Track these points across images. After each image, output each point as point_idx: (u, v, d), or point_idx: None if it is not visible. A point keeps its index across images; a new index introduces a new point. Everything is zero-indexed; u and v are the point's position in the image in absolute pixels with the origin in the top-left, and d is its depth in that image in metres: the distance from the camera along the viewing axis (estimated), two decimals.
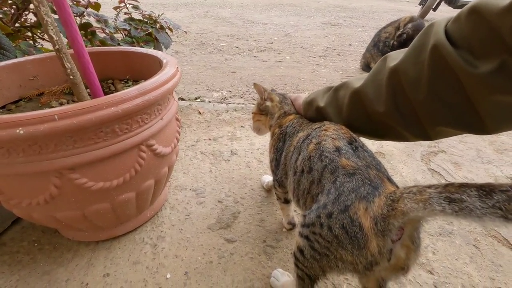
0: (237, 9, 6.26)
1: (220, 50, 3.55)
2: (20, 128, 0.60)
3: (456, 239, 1.10)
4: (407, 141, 0.75)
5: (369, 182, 0.59)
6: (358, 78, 0.78)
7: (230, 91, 2.43)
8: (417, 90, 0.61)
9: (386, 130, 0.74)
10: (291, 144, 0.87)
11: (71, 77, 0.90)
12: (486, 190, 0.43)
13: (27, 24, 1.59)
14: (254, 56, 3.34)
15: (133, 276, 0.93)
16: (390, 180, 0.63)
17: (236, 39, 4.04)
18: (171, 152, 0.99)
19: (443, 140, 1.71)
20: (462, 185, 0.46)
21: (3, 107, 1.01)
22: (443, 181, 1.39)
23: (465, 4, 5.22)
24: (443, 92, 0.58)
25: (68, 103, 1.07)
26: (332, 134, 0.73)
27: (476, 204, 0.43)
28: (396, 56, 0.66)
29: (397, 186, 0.63)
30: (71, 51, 0.96)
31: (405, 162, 1.52)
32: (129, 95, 0.73)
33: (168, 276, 0.93)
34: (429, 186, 0.50)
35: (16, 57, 1.21)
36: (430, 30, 0.59)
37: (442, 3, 5.11)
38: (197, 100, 2.24)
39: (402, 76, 0.63)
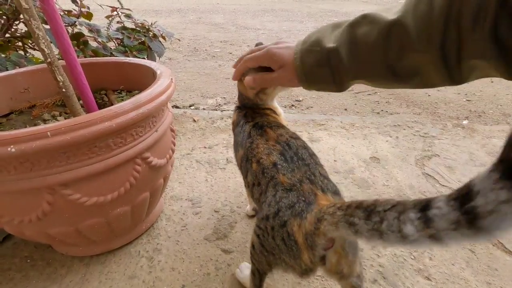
0: (230, 15, 6.29)
1: (214, 56, 3.56)
2: (12, 146, 0.59)
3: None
4: (427, 87, 0.64)
5: (303, 199, 0.62)
6: (383, 10, 0.62)
7: (224, 97, 2.44)
8: (478, 22, 0.50)
9: (413, 74, 0.61)
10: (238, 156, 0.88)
11: (64, 90, 0.89)
12: (368, 212, 0.45)
13: (17, 34, 1.57)
14: None
15: None
16: (323, 190, 0.64)
17: (230, 45, 4.05)
18: (167, 163, 0.98)
19: (436, 144, 1.74)
20: (357, 207, 0.48)
21: None
22: (437, 185, 1.41)
23: None
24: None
25: (60, 115, 1.06)
26: (264, 151, 0.75)
27: (363, 227, 0.45)
28: None
29: (333, 192, 0.65)
30: (63, 62, 0.95)
31: (400, 167, 1.53)
32: (124, 109, 0.72)
33: None
34: (340, 207, 0.52)
35: (6, 69, 1.20)
36: None
37: None
38: (192, 107, 2.24)
39: (462, 8, 0.52)
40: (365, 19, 0.62)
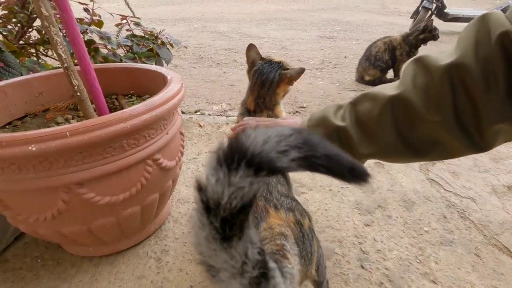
0: (234, 24, 6.40)
1: (218, 63, 3.62)
2: (33, 145, 0.62)
3: (457, 248, 1.11)
4: (452, 157, 0.62)
5: (256, 216, 0.63)
6: (383, 87, 0.63)
7: (229, 103, 2.47)
8: (489, 86, 0.50)
9: (432, 144, 0.59)
10: None
11: (78, 93, 0.92)
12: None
13: (30, 41, 1.62)
14: None
15: None
16: (276, 207, 0.65)
17: (234, 52, 4.12)
18: (176, 166, 1.00)
19: None
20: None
21: (9, 123, 1.02)
22: (442, 190, 1.41)
23: (456, 17, 5.34)
24: None
25: (73, 119, 1.09)
26: None
27: None
28: (439, 56, 0.56)
29: (287, 209, 0.66)
30: (78, 68, 0.99)
31: (404, 172, 1.54)
32: (138, 111, 0.75)
33: None
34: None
35: (21, 74, 1.24)
36: (485, 22, 0.50)
37: (433, 16, 5.28)
38: (197, 113, 2.27)
39: (467, 73, 0.51)
40: (365, 97, 0.63)
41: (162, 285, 0.95)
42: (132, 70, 1.19)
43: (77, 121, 1.09)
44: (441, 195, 1.38)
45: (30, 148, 0.62)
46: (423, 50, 3.05)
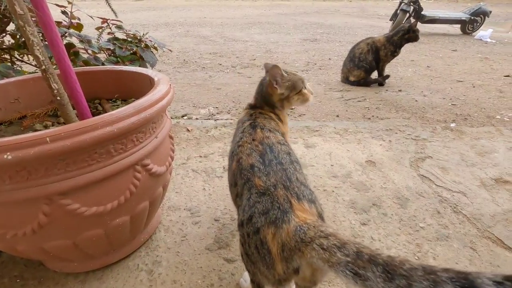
0: (217, 28, 6.38)
1: (204, 67, 3.57)
2: (8, 153, 0.56)
3: (453, 242, 1.11)
4: None
5: (278, 206, 0.61)
6: None
7: (216, 107, 2.43)
8: None
9: None
10: None
11: (58, 98, 0.86)
12: (390, 272, 0.44)
13: (4, 46, 1.53)
14: (238, 73, 3.37)
15: None
16: (298, 198, 0.62)
17: (219, 56, 4.09)
18: (166, 171, 0.95)
19: (428, 146, 1.78)
20: (371, 259, 0.47)
21: None
22: (434, 186, 1.43)
23: (432, 19, 5.55)
24: None
25: (53, 125, 1.02)
26: (246, 150, 0.75)
27: (379, 285, 0.44)
28: None
29: (309, 200, 0.63)
30: (58, 71, 0.93)
31: (396, 169, 1.55)
32: (125, 113, 0.70)
33: None
34: (342, 246, 0.50)
35: None
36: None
37: (411, 18, 5.46)
38: (184, 117, 2.22)
39: None
40: None
41: None
42: (117, 73, 1.13)
43: None
44: (433, 191, 1.39)
45: (5, 156, 0.56)
46: (403, 51, 3.11)
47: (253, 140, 0.78)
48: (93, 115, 1.03)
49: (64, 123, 0.91)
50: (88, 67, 1.26)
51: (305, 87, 1.00)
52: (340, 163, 1.60)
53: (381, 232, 1.15)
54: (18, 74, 1.33)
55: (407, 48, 3.00)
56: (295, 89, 0.98)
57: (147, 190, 0.88)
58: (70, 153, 0.64)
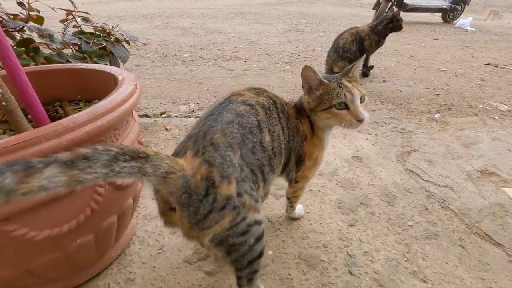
0: (198, 19, 6.16)
1: (184, 61, 3.43)
2: None
3: (442, 241, 1.08)
4: None
5: (178, 152, 0.69)
6: None
7: (197, 103, 2.32)
8: None
9: None
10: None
11: (4, 103, 0.75)
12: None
13: None
14: (220, 66, 3.25)
15: None
16: (196, 153, 0.63)
17: (200, 49, 3.93)
18: (135, 181, 0.86)
19: (414, 139, 1.75)
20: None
21: None
22: (421, 181, 1.39)
23: (415, 8, 5.55)
24: None
25: (4, 133, 0.90)
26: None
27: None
28: None
29: (206, 160, 0.62)
30: (4, 72, 0.81)
31: (383, 164, 1.51)
32: (76, 122, 0.60)
33: None
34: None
35: None
36: None
37: (394, 6, 5.44)
38: (163, 115, 2.10)
39: None
40: None
41: None
42: (77, 71, 1.01)
43: (9, 136, 0.90)
44: (420, 186, 1.36)
45: None
46: (386, 41, 3.07)
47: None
48: (53, 119, 0.92)
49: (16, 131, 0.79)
50: (43, 66, 1.13)
51: (346, 106, 0.80)
52: (325, 160, 1.54)
53: (369, 233, 1.11)
54: None
55: (390, 37, 2.96)
56: (323, 104, 0.82)
57: (113, 205, 0.79)
58: None
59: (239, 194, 0.63)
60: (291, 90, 2.59)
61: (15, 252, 0.63)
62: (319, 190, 1.33)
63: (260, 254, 0.71)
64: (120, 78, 0.87)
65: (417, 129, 1.86)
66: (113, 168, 0.48)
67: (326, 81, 0.83)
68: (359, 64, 0.89)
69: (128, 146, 0.53)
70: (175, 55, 3.65)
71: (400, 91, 2.57)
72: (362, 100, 0.83)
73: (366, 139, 1.75)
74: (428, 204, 1.26)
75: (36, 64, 1.39)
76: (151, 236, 1.08)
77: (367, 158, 1.56)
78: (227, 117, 0.69)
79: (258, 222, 0.68)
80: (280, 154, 0.81)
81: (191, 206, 0.59)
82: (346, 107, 0.81)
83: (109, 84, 0.95)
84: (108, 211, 0.77)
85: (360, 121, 0.80)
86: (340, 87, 0.81)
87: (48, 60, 1.41)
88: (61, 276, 0.81)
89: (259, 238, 0.68)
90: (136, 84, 0.85)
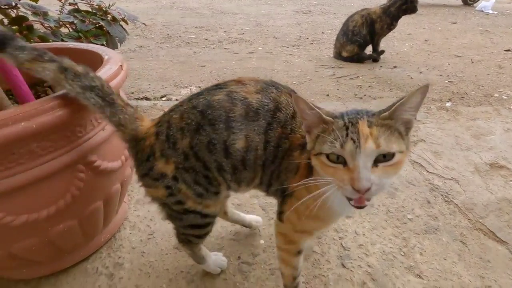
0: None
1: (188, 43, 3.35)
2: None
3: (442, 236, 1.04)
4: None
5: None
6: None
7: (199, 86, 2.27)
8: None
9: None
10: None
11: None
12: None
13: None
14: (225, 48, 3.16)
15: None
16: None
17: (205, 30, 3.83)
18: (122, 166, 0.84)
19: (422, 128, 1.67)
20: None
21: None
22: (425, 173, 1.33)
23: None
24: None
25: None
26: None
27: None
28: None
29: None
30: None
31: None
32: (49, 104, 0.57)
33: None
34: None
35: None
36: None
37: None
38: (163, 98, 2.06)
39: None
40: None
41: None
42: (63, 51, 0.97)
43: None
44: (424, 178, 1.30)
45: None
46: (400, 24, 2.92)
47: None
48: None
49: None
50: (33, 44, 1.09)
51: (344, 160, 0.52)
52: None
53: (366, 226, 1.07)
54: None
55: (404, 20, 2.81)
56: (316, 145, 0.56)
57: (98, 190, 0.77)
58: None
59: (174, 178, 0.65)
60: (296, 75, 2.50)
61: None
62: None
63: (197, 235, 0.78)
64: (106, 57, 0.83)
65: (426, 118, 1.77)
66: (85, 94, 0.61)
67: (329, 118, 0.55)
68: (413, 99, 0.51)
69: (109, 87, 0.66)
70: (179, 36, 3.57)
71: (411, 78, 2.46)
72: (380, 159, 0.51)
73: None
74: (431, 197, 1.20)
75: (30, 43, 1.35)
76: (143, 221, 1.07)
77: None
78: (197, 102, 0.63)
79: (201, 214, 0.70)
80: (252, 169, 0.66)
81: (136, 161, 0.68)
82: (344, 161, 0.52)
83: (96, 64, 0.90)
84: (91, 197, 0.75)
85: (357, 190, 0.49)
86: (346, 128, 0.53)
87: (42, 39, 1.37)
88: (46, 260, 0.81)
89: (194, 226, 0.74)
90: (121, 65, 0.81)
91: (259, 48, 3.16)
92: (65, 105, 0.59)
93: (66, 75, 0.61)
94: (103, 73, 0.73)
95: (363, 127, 0.52)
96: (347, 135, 0.51)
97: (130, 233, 1.02)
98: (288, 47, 3.23)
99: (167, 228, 1.04)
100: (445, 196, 1.21)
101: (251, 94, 0.64)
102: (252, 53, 2.99)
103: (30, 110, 0.54)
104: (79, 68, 0.64)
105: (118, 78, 0.76)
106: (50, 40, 1.39)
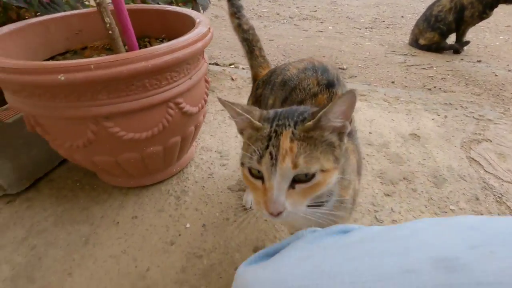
0: None
1: (260, 16, 3.45)
2: (62, 75, 0.66)
3: None
4: None
5: None
6: None
7: None
8: None
9: None
10: None
11: (110, 31, 0.94)
12: None
13: None
14: (295, 24, 3.19)
15: (157, 221, 1.02)
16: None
17: (278, 5, 3.87)
18: (198, 112, 1.02)
19: (491, 128, 1.56)
20: None
21: (53, 57, 1.10)
22: (482, 171, 1.29)
23: None
24: None
25: None
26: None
27: None
28: None
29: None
30: (112, 7, 1.00)
31: (442, 147, 1.42)
32: (159, 51, 0.76)
33: (188, 225, 1.01)
34: None
35: (64, 11, 1.29)
36: None
37: None
38: (231, 66, 2.24)
39: None
40: None
41: (178, 219, 1.03)
42: (163, 12, 1.18)
43: None
44: (479, 176, 1.26)
45: (59, 77, 0.66)
46: (496, 13, 2.57)
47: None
48: None
49: None
50: (138, 5, 1.33)
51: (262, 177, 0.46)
52: (380, 131, 1.51)
53: (404, 206, 1.12)
54: (85, 7, 1.46)
55: (504, 9, 2.47)
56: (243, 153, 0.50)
57: (179, 127, 0.97)
58: (110, 82, 0.72)
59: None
60: (363, 58, 2.45)
61: (110, 144, 0.86)
62: (364, 158, 1.34)
63: None
64: (197, 21, 1.00)
65: (499, 119, 1.64)
66: (244, 42, 1.09)
67: (259, 124, 0.48)
68: (336, 108, 0.45)
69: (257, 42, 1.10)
70: (252, 9, 3.68)
71: (496, 75, 2.21)
72: (301, 178, 0.45)
73: (433, 119, 1.63)
74: (481, 195, 1.18)
75: (134, 3, 1.61)
76: (205, 164, 1.28)
77: (427, 138, 1.48)
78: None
79: None
80: None
81: (252, 87, 1.05)
82: (262, 178, 0.46)
83: (188, 25, 1.08)
84: (174, 131, 0.96)
85: (270, 213, 0.45)
86: (269, 139, 0.46)
87: (143, 1, 1.62)
88: (136, 174, 1.06)
89: None
90: (209, 28, 0.97)
91: (330, 28, 3.11)
92: (170, 52, 0.77)
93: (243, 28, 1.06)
94: (196, 33, 0.89)
95: (285, 140, 0.45)
96: (267, 147, 0.45)
97: (195, 171, 1.24)
98: (360, 29, 3.11)
99: (223, 172, 1.23)
100: (499, 197, 1.17)
101: (292, 70, 0.76)
102: (321, 31, 2.98)
103: (147, 54, 0.73)
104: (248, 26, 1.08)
105: (207, 38, 0.92)
106: (149, 3, 1.63)
